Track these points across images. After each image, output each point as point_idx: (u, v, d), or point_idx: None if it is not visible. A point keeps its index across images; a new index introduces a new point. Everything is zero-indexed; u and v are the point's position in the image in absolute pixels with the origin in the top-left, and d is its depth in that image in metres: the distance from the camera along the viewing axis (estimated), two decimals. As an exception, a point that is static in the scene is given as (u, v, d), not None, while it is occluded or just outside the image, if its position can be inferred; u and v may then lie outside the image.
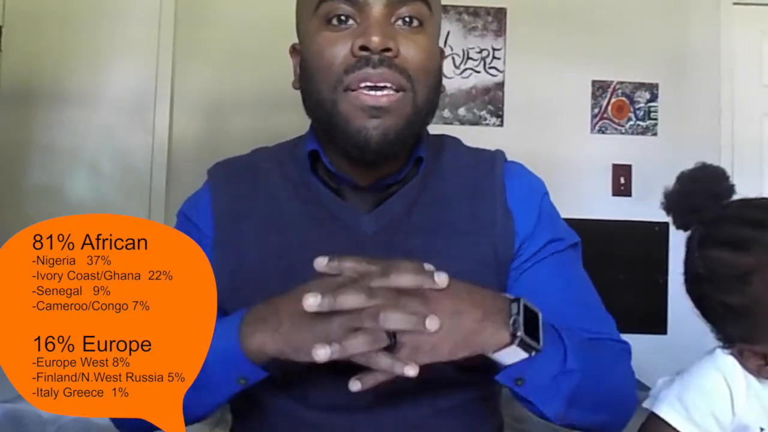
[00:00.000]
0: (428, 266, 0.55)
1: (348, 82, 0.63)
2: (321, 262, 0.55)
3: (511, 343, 0.55)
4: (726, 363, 0.59)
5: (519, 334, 0.54)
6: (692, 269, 0.60)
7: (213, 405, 0.62)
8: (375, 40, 0.62)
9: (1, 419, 1.10)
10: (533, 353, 0.55)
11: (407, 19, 0.65)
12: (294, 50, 0.73)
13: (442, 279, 0.53)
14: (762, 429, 0.58)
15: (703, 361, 0.61)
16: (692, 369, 0.61)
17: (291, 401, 0.65)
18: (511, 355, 0.56)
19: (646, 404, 0.63)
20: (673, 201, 0.61)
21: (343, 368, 0.64)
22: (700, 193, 0.59)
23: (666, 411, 0.60)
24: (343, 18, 0.64)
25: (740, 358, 0.58)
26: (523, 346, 0.55)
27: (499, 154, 0.75)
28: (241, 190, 0.73)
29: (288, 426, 0.66)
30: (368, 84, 0.63)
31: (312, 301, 0.52)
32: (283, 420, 0.66)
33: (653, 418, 0.61)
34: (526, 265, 0.70)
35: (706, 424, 0.58)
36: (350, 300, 0.52)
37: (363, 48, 0.63)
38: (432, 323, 0.51)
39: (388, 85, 0.63)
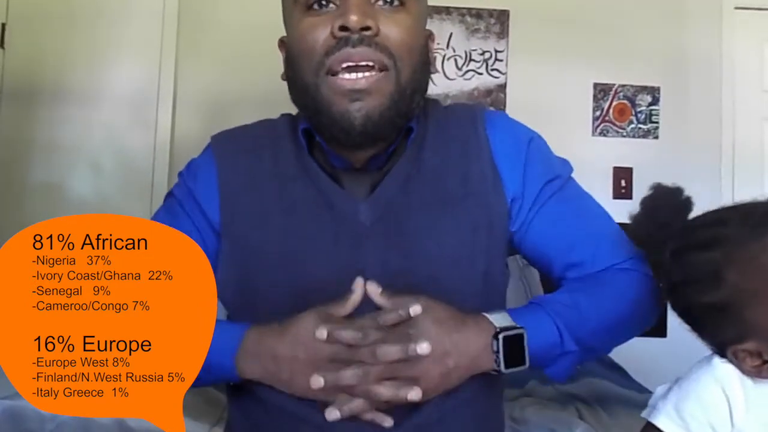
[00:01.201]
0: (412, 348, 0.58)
1: (329, 64, 0.64)
2: (317, 383, 0.58)
3: (498, 373, 0.62)
4: (724, 373, 0.58)
5: (502, 370, 0.61)
6: (670, 280, 0.61)
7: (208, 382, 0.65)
8: (353, 19, 0.62)
9: (1, 416, 1.10)
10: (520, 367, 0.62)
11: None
12: (282, 43, 0.73)
13: (423, 347, 0.57)
14: None
15: (700, 370, 0.60)
16: (690, 377, 0.60)
17: (296, 401, 0.65)
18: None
19: (644, 414, 0.63)
20: (641, 223, 0.63)
21: None
22: (665, 208, 0.61)
23: (663, 421, 0.60)
24: (323, 2, 0.65)
25: (737, 362, 0.58)
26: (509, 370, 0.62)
27: (478, 108, 0.75)
28: (247, 164, 0.72)
29: (292, 425, 0.66)
30: (349, 64, 0.63)
31: (318, 383, 0.58)
32: (288, 419, 0.66)
33: (650, 428, 0.61)
34: (529, 217, 0.70)
35: None
36: (348, 377, 0.59)
37: (342, 28, 0.63)
38: (414, 394, 0.58)
39: (370, 64, 0.63)
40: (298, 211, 0.69)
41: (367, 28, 0.63)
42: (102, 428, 1.06)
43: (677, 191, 0.61)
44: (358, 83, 0.63)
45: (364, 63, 0.63)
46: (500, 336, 0.61)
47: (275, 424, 0.67)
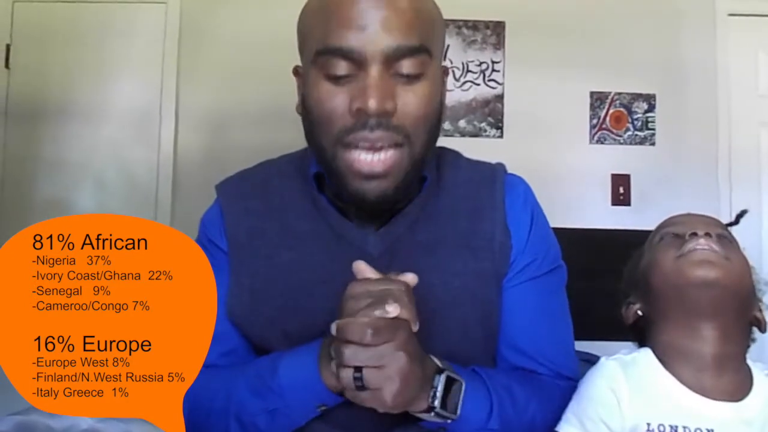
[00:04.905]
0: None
1: (347, 141, 0.63)
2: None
3: (428, 412, 0.60)
4: (609, 370, 0.64)
5: (435, 406, 0.59)
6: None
7: (289, 429, 0.64)
8: (372, 104, 0.61)
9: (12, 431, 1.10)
10: (449, 421, 0.61)
11: (406, 73, 0.63)
12: (297, 72, 0.72)
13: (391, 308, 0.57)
14: (648, 424, 0.60)
15: (589, 372, 0.66)
16: (582, 381, 0.66)
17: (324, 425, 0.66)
18: (429, 419, 0.61)
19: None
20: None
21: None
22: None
23: (565, 427, 0.64)
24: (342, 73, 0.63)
25: (624, 313, 0.71)
26: (439, 416, 0.60)
27: (499, 169, 0.75)
28: (252, 206, 0.73)
29: None
30: (365, 145, 0.63)
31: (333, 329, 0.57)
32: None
33: None
34: (507, 285, 0.71)
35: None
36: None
37: (361, 110, 0.62)
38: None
39: (385, 145, 0.63)
40: (306, 243, 0.70)
41: (386, 112, 0.62)
42: (110, 439, 1.06)
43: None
44: (375, 167, 0.63)
45: (379, 144, 0.63)
46: (444, 373, 0.60)
47: None
